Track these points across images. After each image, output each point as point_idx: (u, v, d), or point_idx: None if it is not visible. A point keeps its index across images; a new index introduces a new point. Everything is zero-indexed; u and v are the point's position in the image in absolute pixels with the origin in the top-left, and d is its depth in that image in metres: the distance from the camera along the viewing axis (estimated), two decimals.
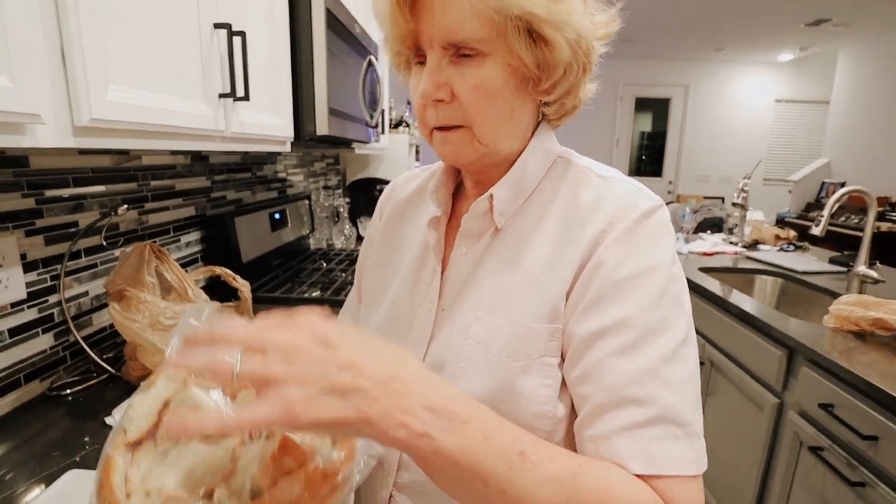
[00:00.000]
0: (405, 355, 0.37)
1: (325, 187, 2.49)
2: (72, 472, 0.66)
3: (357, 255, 1.98)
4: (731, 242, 2.44)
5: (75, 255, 0.98)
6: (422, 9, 0.45)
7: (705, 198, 5.82)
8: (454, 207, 0.59)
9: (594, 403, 0.44)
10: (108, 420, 0.81)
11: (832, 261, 2.03)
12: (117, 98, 0.64)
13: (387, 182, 2.52)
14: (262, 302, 1.35)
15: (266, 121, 1.09)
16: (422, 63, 0.48)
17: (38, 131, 0.55)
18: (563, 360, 0.48)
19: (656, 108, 6.49)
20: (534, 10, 0.42)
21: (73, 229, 0.96)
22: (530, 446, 0.37)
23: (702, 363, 1.26)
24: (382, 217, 0.67)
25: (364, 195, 2.53)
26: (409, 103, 2.89)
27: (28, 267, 0.87)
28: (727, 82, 6.19)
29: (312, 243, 2.15)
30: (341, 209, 2.28)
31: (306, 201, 2.01)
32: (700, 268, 2.01)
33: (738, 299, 1.60)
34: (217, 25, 0.87)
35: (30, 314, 0.88)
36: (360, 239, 2.31)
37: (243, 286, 1.16)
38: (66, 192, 0.94)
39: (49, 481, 0.66)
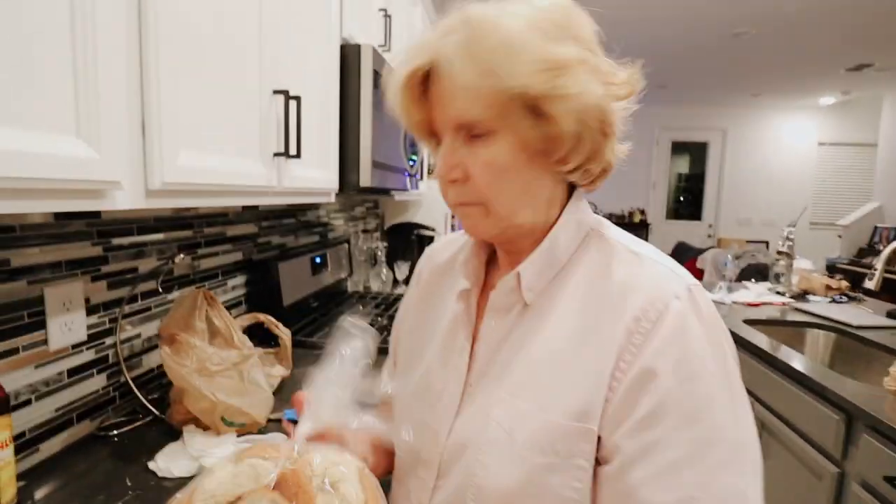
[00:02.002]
0: None
1: (364, 231, 2.56)
2: None
3: (393, 300, 2.02)
4: (778, 292, 2.35)
5: (132, 299, 1.04)
6: (431, 98, 0.49)
7: (748, 242, 5.65)
8: (488, 276, 0.58)
9: None
10: (151, 465, 0.83)
11: (890, 314, 1.92)
12: (187, 162, 0.69)
13: (424, 227, 2.58)
14: (301, 346, 1.38)
15: (314, 175, 1.15)
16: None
17: (116, 196, 0.61)
18: (597, 463, 0.46)
19: (694, 151, 6.44)
20: (530, 87, 0.43)
21: (131, 275, 1.03)
22: None
23: None
24: (420, 282, 0.67)
25: (401, 239, 2.58)
26: None
27: (90, 310, 0.93)
28: (766, 126, 6.11)
29: (350, 286, 2.20)
30: (379, 253, 2.34)
31: (346, 245, 2.07)
32: (745, 319, 1.94)
33: (788, 355, 1.53)
34: (276, 91, 0.94)
35: (87, 355, 0.93)
36: (395, 283, 2.35)
37: (284, 334, 1.19)
38: (129, 241, 1.01)
39: None
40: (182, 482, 0.79)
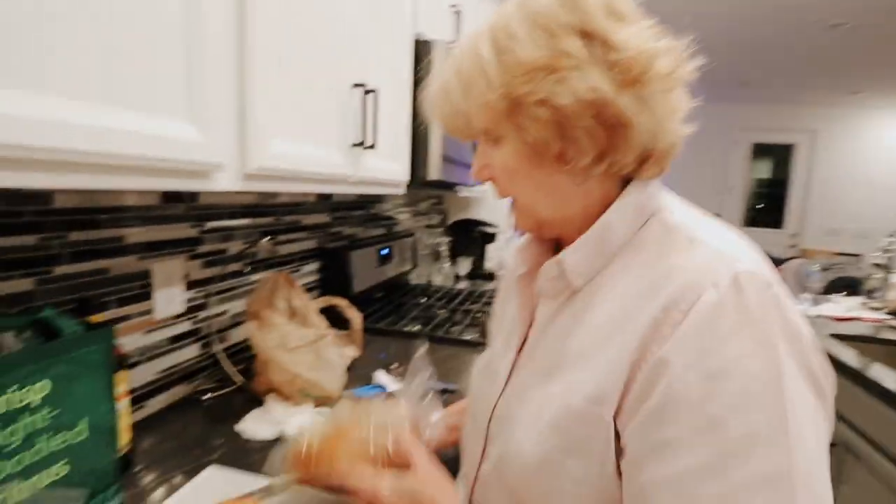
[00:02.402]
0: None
1: (428, 226, 2.62)
2: (211, 467, 0.76)
3: (454, 294, 2.05)
4: (872, 308, 2.15)
5: (222, 278, 1.13)
6: None
7: (837, 254, 5.18)
8: None
9: None
10: (237, 427, 0.91)
11: None
12: (278, 149, 0.76)
13: (486, 224, 2.59)
14: (369, 332, 1.45)
15: (387, 166, 1.21)
16: None
17: (219, 178, 0.68)
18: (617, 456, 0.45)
19: (777, 154, 5.99)
20: (495, 104, 0.46)
21: (221, 256, 1.12)
22: None
23: (833, 444, 1.11)
24: (506, 271, 0.70)
25: (464, 236, 2.61)
26: None
27: (188, 286, 1.03)
28: (866, 127, 5.56)
29: (413, 279, 2.26)
30: (441, 248, 2.38)
31: (411, 239, 2.14)
32: (832, 334, 1.79)
33: (880, 375, 1.40)
34: (355, 85, 0.99)
35: (185, 326, 1.04)
36: (457, 278, 2.38)
37: (356, 318, 1.26)
38: (220, 224, 1.11)
39: (191, 474, 0.76)
40: (265, 445, 0.87)
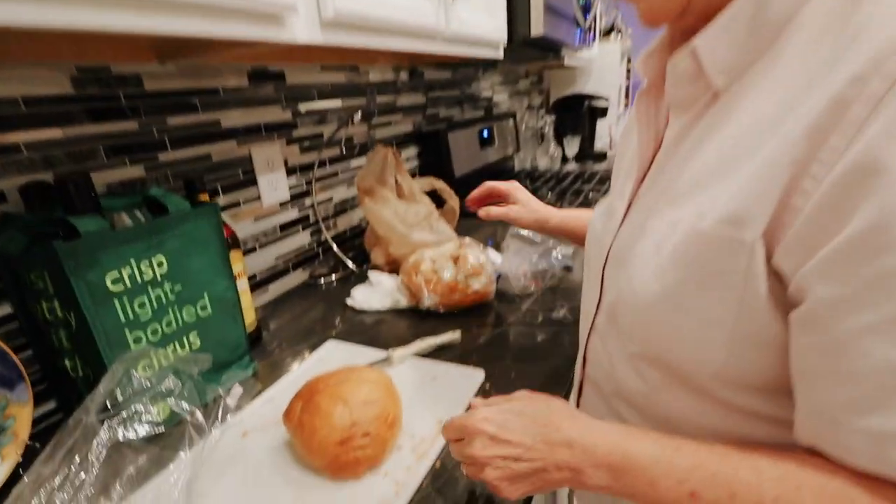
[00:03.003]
0: (545, 415, 0.41)
1: (529, 107, 2.40)
2: (331, 341, 0.77)
3: (562, 177, 1.89)
4: None
5: (321, 164, 1.10)
6: None
7: None
8: None
9: (829, 395, 0.31)
10: (348, 301, 0.92)
11: None
12: None
13: (596, 97, 2.30)
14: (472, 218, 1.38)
15: (481, 20, 1.04)
16: None
17: (294, 24, 0.59)
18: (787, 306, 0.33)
19: None
20: None
21: (318, 140, 1.08)
22: (702, 483, 0.33)
23: None
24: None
25: (571, 114, 2.35)
26: (618, 6, 2.53)
27: (289, 172, 1.01)
28: None
29: (517, 164, 2.12)
30: (546, 129, 2.17)
31: (511, 121, 1.96)
32: None
33: None
34: None
35: (292, 213, 1.04)
36: (565, 160, 2.19)
37: (455, 202, 1.18)
38: (312, 107, 1.05)
39: (313, 347, 0.78)
40: (378, 321, 0.87)
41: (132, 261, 0.56)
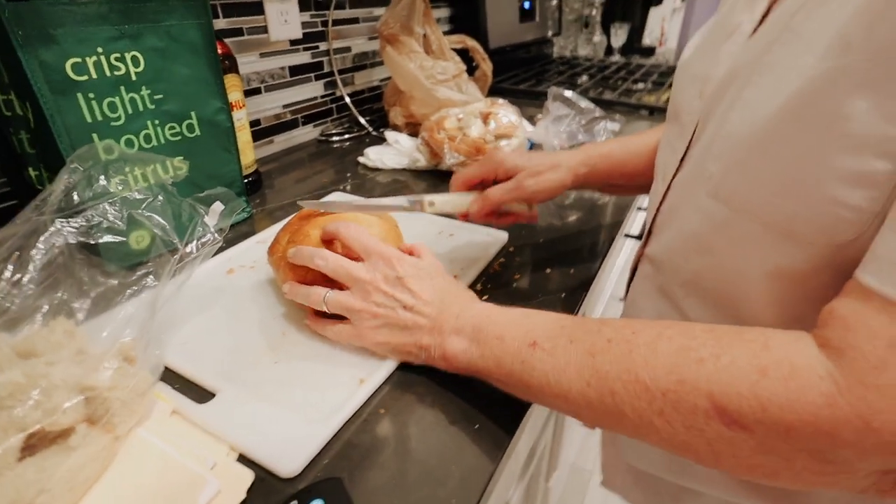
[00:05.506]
0: (455, 290, 0.39)
1: None
2: (336, 192, 0.69)
3: (604, 66, 1.69)
4: None
5: (340, 5, 0.95)
6: None
7: None
8: None
9: None
10: (361, 159, 0.83)
11: None
12: None
13: None
14: (503, 93, 1.23)
15: None
16: None
17: None
18: None
19: None
20: None
21: None
22: (546, 334, 0.32)
23: None
24: None
25: None
26: None
27: (301, 6, 0.87)
28: None
29: (556, 50, 1.90)
30: (594, 12, 1.92)
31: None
32: None
33: None
34: None
35: (304, 56, 0.91)
36: (610, 50, 1.96)
37: (488, 66, 1.04)
38: None
39: (317, 197, 0.70)
40: (391, 173, 0.78)
41: (99, 49, 0.46)
